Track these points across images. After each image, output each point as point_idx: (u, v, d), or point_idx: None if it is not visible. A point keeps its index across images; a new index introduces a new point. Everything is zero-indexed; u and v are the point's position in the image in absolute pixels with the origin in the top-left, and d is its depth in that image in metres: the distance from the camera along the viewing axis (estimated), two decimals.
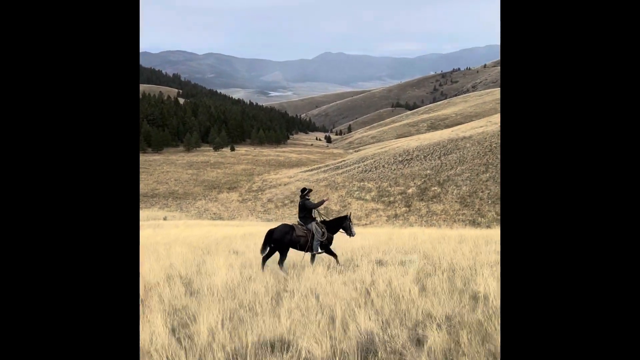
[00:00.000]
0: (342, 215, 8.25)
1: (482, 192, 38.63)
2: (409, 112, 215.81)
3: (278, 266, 7.15)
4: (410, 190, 44.98)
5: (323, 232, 7.67)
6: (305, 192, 7.87)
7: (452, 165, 47.93)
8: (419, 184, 45.95)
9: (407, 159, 58.04)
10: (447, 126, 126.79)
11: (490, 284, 4.99)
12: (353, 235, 8.07)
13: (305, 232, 7.51)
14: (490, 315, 3.79)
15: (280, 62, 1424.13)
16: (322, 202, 7.87)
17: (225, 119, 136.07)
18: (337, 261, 7.61)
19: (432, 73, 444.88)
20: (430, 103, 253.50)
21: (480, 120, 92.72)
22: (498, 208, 35.00)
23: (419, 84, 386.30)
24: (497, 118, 77.13)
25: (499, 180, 40.12)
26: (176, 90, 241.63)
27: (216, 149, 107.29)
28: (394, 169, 54.77)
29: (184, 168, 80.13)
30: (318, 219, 7.88)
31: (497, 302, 4.24)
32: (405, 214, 38.46)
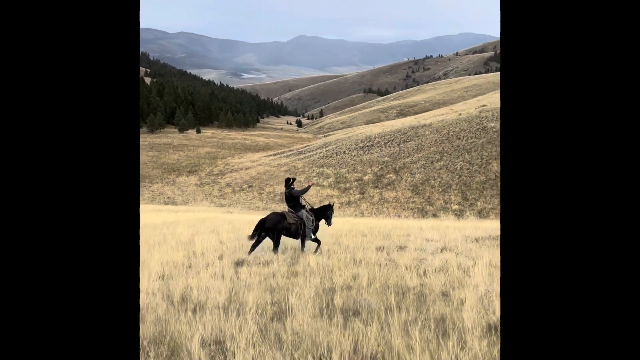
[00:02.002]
0: (326, 204, 8.55)
1: (434, 180, 38.79)
2: (380, 98, 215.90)
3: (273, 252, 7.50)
4: (366, 177, 44.84)
5: (313, 220, 7.93)
6: (290, 182, 8.08)
7: (410, 153, 48.03)
8: (375, 170, 45.87)
9: (368, 146, 57.90)
10: (416, 113, 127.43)
11: (303, 294, 4.59)
12: (330, 225, 8.56)
13: (296, 220, 7.76)
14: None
15: (254, 44, 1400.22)
16: (308, 188, 8.10)
17: (193, 101, 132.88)
18: (319, 250, 7.84)
19: (405, 59, 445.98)
20: (402, 89, 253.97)
21: (443, 108, 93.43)
22: (447, 196, 35.22)
23: (392, 70, 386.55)
24: (459, 106, 77.78)
25: (451, 169, 40.39)
26: (143, 69, 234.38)
27: (181, 130, 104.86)
28: (354, 155, 54.56)
29: (144, 150, 77.94)
30: (307, 207, 8.12)
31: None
32: (358, 201, 38.32)
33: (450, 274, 5.52)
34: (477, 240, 8.98)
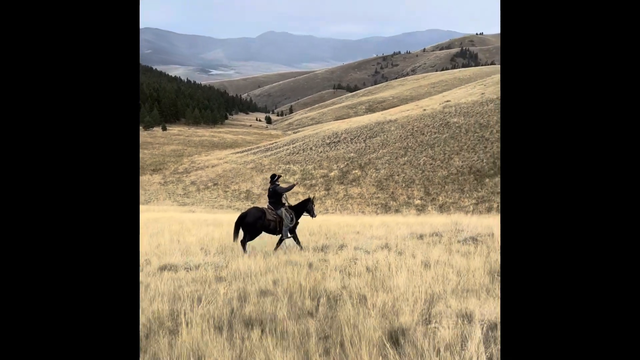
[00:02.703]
0: (305, 198, 8.52)
1: (397, 175, 39.03)
2: (349, 94, 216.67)
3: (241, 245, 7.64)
4: (332, 174, 44.75)
5: (292, 218, 8.01)
6: (275, 179, 8.11)
7: (375, 148, 48.21)
8: (341, 166, 45.85)
9: (334, 142, 57.84)
10: (384, 109, 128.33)
11: (215, 302, 4.32)
12: (314, 217, 8.63)
13: (275, 217, 7.82)
14: None
15: (222, 40, 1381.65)
16: (292, 187, 8.24)
17: (158, 97, 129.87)
18: (300, 246, 7.95)
19: (374, 56, 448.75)
20: (371, 85, 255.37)
21: (410, 103, 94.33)
22: (410, 191, 35.49)
23: (361, 67, 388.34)
24: (425, 102, 78.68)
25: (415, 164, 40.73)
26: None
27: (146, 128, 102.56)
28: (321, 152, 54.40)
29: None
30: (286, 204, 8.22)
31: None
32: (323, 198, 38.16)
33: (377, 275, 5.35)
34: (421, 237, 8.91)
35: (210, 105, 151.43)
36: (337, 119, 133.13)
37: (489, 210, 28.04)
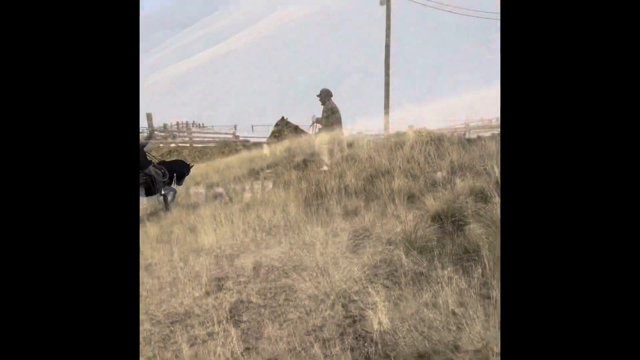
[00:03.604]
0: (181, 160, 8.03)
1: (249, 106, 38.27)
2: (185, 30, 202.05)
3: None
4: (185, 120, 42.40)
5: (163, 173, 7.53)
6: None
7: (223, 84, 46.36)
8: (192, 110, 43.57)
9: (180, 86, 54.26)
10: (225, 39, 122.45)
11: None
12: (179, 185, 8.01)
13: (144, 178, 7.25)
14: None
15: None
16: (149, 138, 7.48)
17: None
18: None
19: None
20: (207, 17, 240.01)
21: (248, 28, 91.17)
22: (265, 120, 35.19)
23: None
24: (262, 23, 76.50)
25: (265, 89, 40.11)
26: None
27: None
28: (168, 101, 50.85)
29: None
30: (155, 161, 7.73)
31: None
32: (179, 148, 36.36)
33: (188, 239, 4.89)
34: (257, 172, 8.60)
35: None
36: (178, 61, 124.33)
37: None
